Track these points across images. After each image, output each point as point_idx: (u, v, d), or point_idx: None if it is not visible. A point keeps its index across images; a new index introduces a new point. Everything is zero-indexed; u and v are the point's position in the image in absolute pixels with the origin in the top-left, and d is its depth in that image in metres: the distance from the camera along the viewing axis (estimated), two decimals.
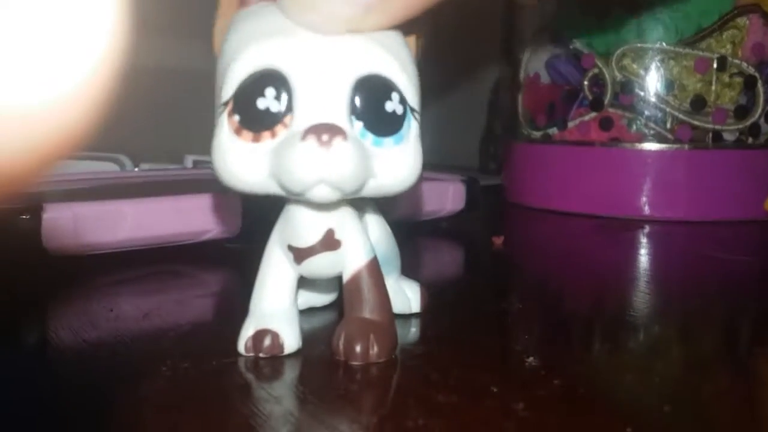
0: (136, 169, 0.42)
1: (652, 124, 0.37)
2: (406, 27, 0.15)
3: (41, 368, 0.16)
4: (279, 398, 0.14)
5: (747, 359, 0.18)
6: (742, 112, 0.37)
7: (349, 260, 0.16)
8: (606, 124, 0.38)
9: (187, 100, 0.64)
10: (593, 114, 0.38)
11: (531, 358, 0.16)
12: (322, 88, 0.14)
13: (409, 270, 0.20)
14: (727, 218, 0.37)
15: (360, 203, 0.17)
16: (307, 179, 0.13)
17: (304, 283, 0.18)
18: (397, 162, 0.15)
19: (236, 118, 0.14)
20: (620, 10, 0.37)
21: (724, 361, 0.18)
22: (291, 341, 0.16)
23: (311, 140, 0.13)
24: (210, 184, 0.30)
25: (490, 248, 0.30)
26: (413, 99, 0.15)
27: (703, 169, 0.37)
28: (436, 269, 0.28)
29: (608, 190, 0.38)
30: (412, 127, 0.15)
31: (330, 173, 0.13)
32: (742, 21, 0.37)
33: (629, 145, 0.38)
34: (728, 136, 0.37)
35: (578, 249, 0.32)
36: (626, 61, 0.37)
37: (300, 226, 0.16)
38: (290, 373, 0.15)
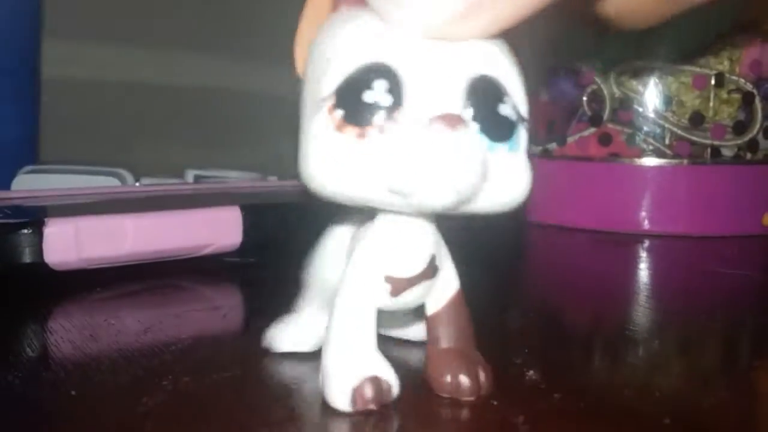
0: (138, 184, 0.42)
1: (651, 140, 0.38)
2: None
3: (42, 381, 0.16)
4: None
5: (747, 373, 0.18)
6: (740, 127, 0.37)
7: (443, 287, 0.15)
8: (605, 139, 0.38)
9: (188, 115, 0.65)
10: (592, 129, 0.39)
11: (531, 372, 0.16)
12: (435, 84, 0.13)
13: None
14: (727, 233, 0.37)
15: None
16: (429, 171, 0.12)
17: None
18: (510, 170, 0.13)
19: (339, 113, 0.13)
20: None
21: (725, 375, 0.18)
22: (395, 384, 0.14)
23: (439, 125, 0.12)
24: (211, 198, 0.30)
25: (490, 263, 0.30)
26: (524, 106, 0.14)
27: (702, 185, 0.37)
28: None
29: (608, 204, 0.38)
30: (522, 137, 0.14)
31: (448, 165, 0.12)
32: (739, 38, 0.37)
33: (628, 161, 0.38)
34: (727, 152, 0.38)
35: (578, 263, 0.32)
36: (625, 78, 0.38)
37: (404, 252, 0.14)
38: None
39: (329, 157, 0.13)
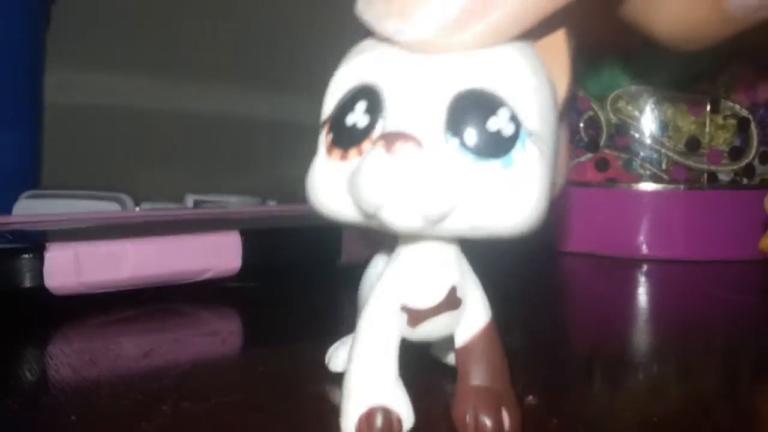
0: (138, 209, 0.42)
1: (648, 165, 0.38)
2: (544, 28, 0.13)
3: (42, 406, 0.16)
4: None
5: (747, 398, 0.18)
6: (736, 153, 0.38)
7: (469, 320, 0.14)
8: (602, 164, 0.39)
9: (188, 140, 0.65)
10: (589, 155, 0.39)
11: (530, 397, 0.16)
12: (414, 101, 0.12)
13: None
14: (724, 258, 0.37)
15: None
16: (374, 192, 0.12)
17: None
18: (501, 189, 0.12)
19: (330, 137, 0.13)
20: (614, 54, 0.38)
21: (724, 400, 0.18)
22: (407, 417, 0.14)
23: (378, 148, 0.12)
24: (210, 223, 0.31)
25: (487, 285, 0.30)
26: (534, 119, 0.12)
27: (700, 209, 0.37)
28: None
29: (605, 229, 0.38)
30: (528, 153, 0.12)
31: (397, 184, 0.12)
32: (734, 64, 0.38)
33: (626, 186, 0.38)
34: (723, 177, 0.38)
35: (577, 288, 0.32)
36: (621, 104, 0.38)
37: (420, 282, 0.14)
38: None
39: (317, 180, 0.13)
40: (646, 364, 0.20)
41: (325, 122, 0.13)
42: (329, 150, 0.13)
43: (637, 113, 0.38)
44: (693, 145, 0.37)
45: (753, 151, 0.38)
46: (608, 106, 0.38)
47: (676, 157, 0.37)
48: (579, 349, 0.22)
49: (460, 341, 0.14)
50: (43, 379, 0.18)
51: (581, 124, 0.39)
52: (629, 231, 0.38)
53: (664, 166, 0.38)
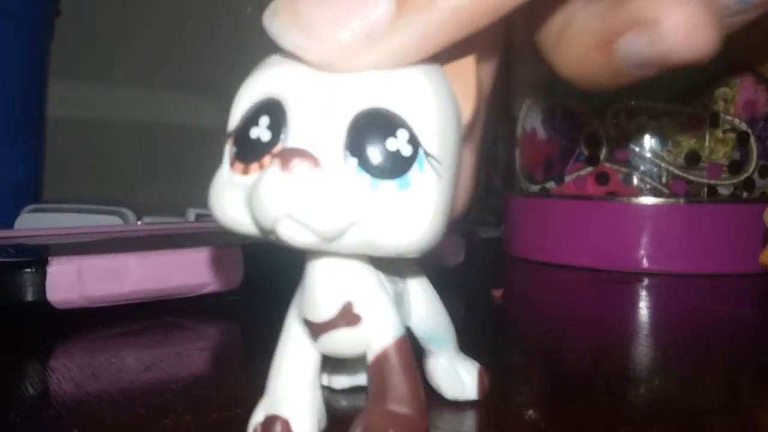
0: (140, 223, 0.42)
1: (648, 179, 0.38)
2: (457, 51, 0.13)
3: (44, 420, 0.16)
4: None
5: (747, 412, 0.18)
6: (736, 167, 0.38)
7: (373, 339, 0.14)
8: (602, 178, 0.39)
9: (190, 154, 0.65)
10: (590, 168, 0.39)
11: (530, 411, 0.16)
12: (317, 118, 0.12)
13: None
14: (725, 271, 0.37)
15: (397, 268, 0.15)
16: (270, 209, 0.12)
17: (345, 359, 0.15)
18: (397, 209, 0.12)
19: (234, 149, 0.13)
20: None
21: (724, 413, 0.18)
22: (302, 430, 0.14)
23: (275, 164, 0.12)
24: (212, 237, 0.31)
25: (490, 300, 0.31)
26: (432, 142, 0.12)
27: (700, 223, 0.37)
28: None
29: (606, 243, 0.38)
30: (425, 175, 0.12)
31: (292, 202, 0.12)
32: (733, 79, 0.38)
33: (626, 199, 0.38)
34: (723, 191, 0.38)
35: (577, 302, 0.33)
36: (621, 118, 0.38)
37: (314, 297, 0.14)
38: None
39: (218, 192, 0.13)
40: (647, 377, 0.20)
41: (229, 135, 0.13)
42: (232, 163, 0.13)
43: (636, 127, 0.38)
44: (693, 159, 0.38)
45: (752, 165, 0.38)
46: (608, 120, 0.38)
47: (676, 171, 0.38)
48: (579, 363, 0.22)
49: (368, 360, 0.14)
50: (45, 393, 0.18)
51: (582, 138, 0.39)
52: (629, 245, 0.38)
53: (664, 180, 0.38)
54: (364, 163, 0.12)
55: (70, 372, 0.19)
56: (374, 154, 0.12)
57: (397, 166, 0.12)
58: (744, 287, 0.35)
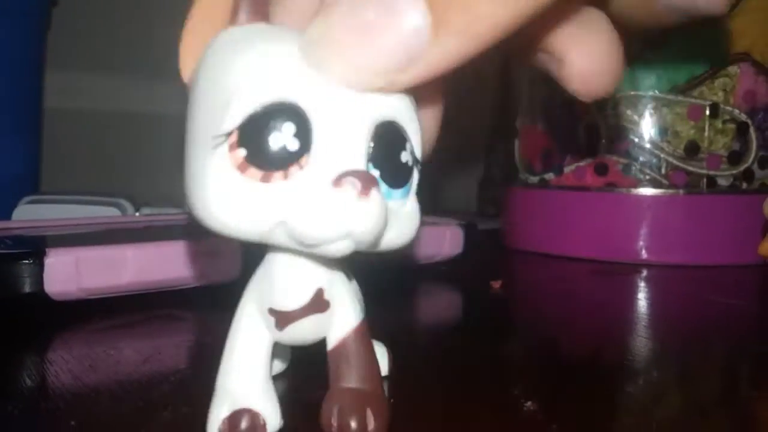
0: (138, 214, 0.42)
1: (647, 170, 0.38)
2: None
3: (41, 412, 0.16)
4: None
5: (746, 403, 0.18)
6: (735, 157, 0.38)
7: (338, 323, 0.14)
8: (602, 169, 0.39)
9: None
10: (589, 160, 0.39)
11: (529, 403, 0.16)
12: (344, 130, 0.12)
13: (405, 314, 0.20)
14: (723, 263, 0.37)
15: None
16: (334, 231, 0.12)
17: (276, 346, 0.15)
18: (403, 215, 0.13)
19: (242, 152, 0.12)
20: None
21: (723, 405, 0.18)
22: (273, 420, 0.14)
23: (348, 188, 0.12)
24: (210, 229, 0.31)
25: (489, 292, 0.31)
26: (418, 150, 0.14)
27: (699, 214, 0.37)
28: (433, 314, 0.28)
29: (605, 234, 0.38)
30: (414, 182, 0.14)
31: (361, 227, 0.12)
32: (733, 69, 0.38)
33: (625, 191, 0.38)
34: (722, 182, 0.38)
35: (576, 293, 0.32)
36: (620, 109, 0.38)
37: (286, 285, 0.14)
38: None
39: (230, 198, 0.12)
40: (646, 369, 0.20)
41: (229, 134, 0.12)
42: (243, 167, 0.12)
43: (636, 118, 0.38)
44: (692, 149, 0.37)
45: (752, 156, 0.38)
46: (608, 111, 0.38)
47: (675, 161, 0.38)
48: (578, 354, 0.22)
49: (330, 344, 0.14)
50: (43, 385, 0.18)
51: (581, 129, 0.39)
52: (628, 236, 0.38)
53: (663, 171, 0.38)
54: (385, 176, 0.13)
55: (67, 364, 0.19)
56: (393, 166, 0.13)
57: (405, 176, 0.13)
58: (743, 278, 0.35)
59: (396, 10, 0.12)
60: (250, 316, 0.14)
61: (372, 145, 0.13)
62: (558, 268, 0.38)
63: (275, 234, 0.12)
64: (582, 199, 0.39)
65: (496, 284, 0.31)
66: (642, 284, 0.34)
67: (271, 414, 0.14)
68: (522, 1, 0.13)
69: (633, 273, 0.36)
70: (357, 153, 0.12)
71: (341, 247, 0.12)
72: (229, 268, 0.27)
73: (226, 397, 0.14)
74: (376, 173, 0.13)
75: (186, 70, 0.14)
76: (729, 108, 0.38)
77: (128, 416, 0.15)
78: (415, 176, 0.14)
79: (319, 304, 0.14)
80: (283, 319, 0.14)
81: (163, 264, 0.25)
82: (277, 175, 0.12)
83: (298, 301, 0.14)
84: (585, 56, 0.17)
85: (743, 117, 0.38)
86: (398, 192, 0.13)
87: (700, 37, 0.38)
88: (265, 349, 0.14)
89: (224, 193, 0.12)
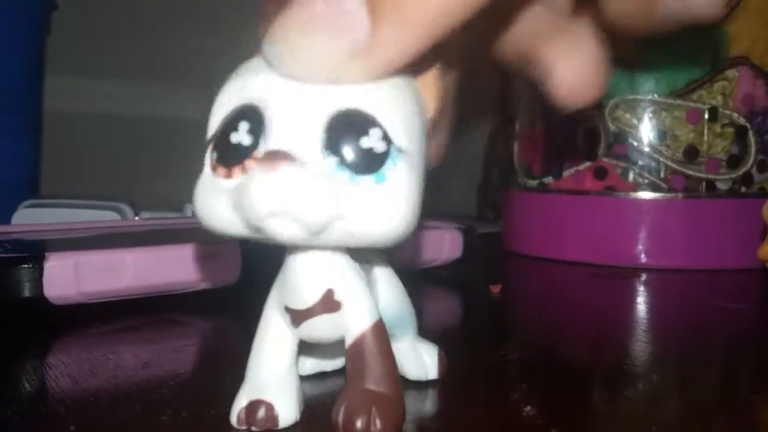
0: (137, 218, 0.42)
1: (646, 174, 0.38)
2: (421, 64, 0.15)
3: (41, 416, 0.16)
4: None
5: (745, 407, 0.18)
6: (734, 161, 0.38)
7: (351, 323, 0.15)
8: (601, 173, 0.39)
9: (188, 149, 0.65)
10: (588, 163, 0.39)
11: (528, 407, 0.16)
12: (294, 122, 0.13)
13: None
14: (723, 267, 0.37)
15: (367, 258, 0.16)
16: (259, 207, 0.13)
17: (312, 346, 0.16)
18: (376, 202, 0.13)
19: (214, 155, 0.14)
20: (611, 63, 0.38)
21: (722, 409, 0.18)
22: (287, 413, 0.15)
23: (260, 166, 0.13)
24: (209, 233, 0.31)
25: (488, 296, 0.31)
26: (402, 138, 0.14)
27: (698, 218, 0.37)
28: (433, 318, 0.28)
29: (604, 238, 0.38)
30: (398, 169, 0.14)
31: (279, 200, 0.12)
32: (731, 73, 0.38)
33: (624, 194, 0.38)
34: (722, 185, 0.38)
35: (575, 297, 0.33)
36: (619, 112, 0.38)
37: (297, 285, 0.15)
38: None
39: (203, 195, 0.14)
40: (645, 373, 0.20)
41: (210, 140, 0.14)
42: (214, 167, 0.14)
43: (635, 122, 0.38)
44: (691, 153, 0.37)
45: (751, 160, 0.38)
46: (606, 115, 0.38)
47: (674, 165, 0.38)
48: (578, 358, 0.22)
49: (346, 344, 0.15)
50: (43, 390, 0.18)
51: (580, 133, 0.39)
52: (627, 240, 0.38)
53: (662, 175, 0.38)
54: (342, 161, 0.13)
55: (67, 368, 0.19)
56: (350, 151, 0.13)
57: (373, 162, 0.13)
58: (742, 282, 0.35)
59: (335, 1, 0.13)
60: (273, 314, 0.15)
61: (327, 133, 0.13)
62: (557, 272, 0.38)
63: (241, 226, 0.13)
64: (581, 203, 0.39)
65: (496, 288, 0.31)
66: (641, 288, 0.34)
67: (287, 407, 0.15)
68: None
69: (632, 277, 0.36)
70: (308, 141, 0.13)
71: (282, 227, 0.13)
72: (228, 272, 0.27)
73: (248, 389, 0.15)
74: (332, 159, 0.13)
75: None
76: (728, 112, 0.38)
77: (128, 421, 0.16)
78: (400, 165, 0.14)
79: (329, 304, 0.15)
80: (296, 317, 0.15)
81: (162, 268, 0.25)
82: (236, 170, 0.13)
83: (309, 300, 0.15)
84: (570, 69, 0.18)
85: (742, 121, 0.38)
86: (368, 178, 0.13)
87: (698, 41, 0.38)
88: (289, 346, 0.15)
89: (202, 193, 0.14)
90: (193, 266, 0.26)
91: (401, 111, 0.14)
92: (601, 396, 0.18)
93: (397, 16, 0.13)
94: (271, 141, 0.13)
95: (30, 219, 0.40)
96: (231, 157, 0.13)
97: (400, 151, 0.14)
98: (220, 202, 0.13)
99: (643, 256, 0.38)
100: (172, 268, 0.26)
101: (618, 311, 0.30)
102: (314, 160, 0.13)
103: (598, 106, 0.39)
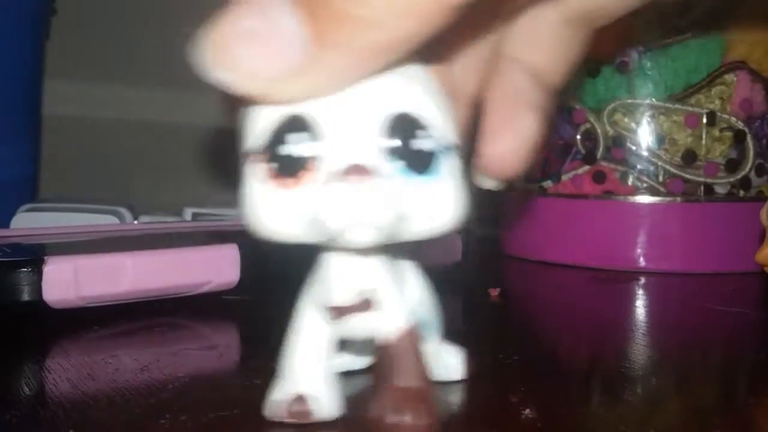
0: (136, 222, 0.42)
1: (644, 178, 0.38)
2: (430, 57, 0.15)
3: (40, 420, 0.16)
4: None
5: (743, 411, 0.18)
6: (732, 165, 0.38)
7: (386, 323, 0.15)
8: (599, 177, 0.39)
9: (187, 153, 0.65)
10: (586, 167, 0.39)
11: (527, 411, 0.16)
12: (349, 131, 0.14)
13: None
14: (721, 270, 0.37)
15: (397, 262, 0.17)
16: (343, 220, 0.13)
17: (341, 344, 0.17)
18: (435, 200, 0.14)
19: (266, 165, 0.14)
20: (610, 67, 0.38)
21: (721, 412, 0.18)
22: (325, 406, 0.15)
23: (345, 180, 0.13)
24: (209, 237, 0.31)
25: (487, 300, 0.31)
26: (446, 134, 0.15)
27: (696, 222, 0.37)
28: None
29: (603, 242, 0.38)
30: (446, 164, 0.14)
31: (364, 213, 0.13)
32: (729, 77, 0.38)
33: (622, 198, 0.38)
34: (720, 189, 0.38)
35: (574, 301, 0.33)
36: (617, 117, 0.38)
37: (335, 284, 0.15)
38: None
39: (264, 207, 0.14)
40: (644, 376, 0.20)
41: (256, 151, 0.14)
42: (271, 178, 0.14)
43: (633, 126, 0.38)
44: (690, 157, 0.38)
45: (749, 164, 0.38)
46: (605, 119, 0.38)
47: (672, 169, 0.38)
48: (576, 362, 0.22)
49: (379, 343, 0.15)
50: (42, 393, 0.18)
51: (578, 137, 0.39)
52: (626, 244, 0.38)
53: (660, 179, 0.38)
54: (399, 164, 0.14)
55: (66, 372, 0.19)
56: (406, 154, 0.14)
57: (426, 161, 0.14)
58: (740, 286, 0.35)
59: (271, 19, 0.13)
60: (308, 311, 0.16)
61: (383, 138, 0.14)
62: (556, 276, 0.38)
63: (309, 234, 0.14)
64: (580, 207, 0.39)
65: (495, 292, 0.31)
66: (640, 292, 0.34)
67: (325, 400, 0.15)
68: (403, 22, 0.13)
69: (631, 280, 0.36)
70: (365, 148, 0.14)
71: (361, 235, 0.13)
72: (227, 275, 0.27)
73: (284, 383, 0.15)
74: (390, 164, 0.14)
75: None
76: (726, 116, 0.38)
77: (127, 424, 0.16)
78: (447, 160, 0.14)
79: (365, 304, 0.15)
80: (333, 314, 0.15)
81: (161, 272, 0.25)
82: (295, 180, 0.14)
83: (345, 299, 0.15)
84: (499, 149, 0.18)
85: (740, 125, 0.38)
86: (422, 178, 0.14)
87: (696, 45, 0.38)
88: (324, 341, 0.16)
89: (259, 204, 0.14)
90: (192, 270, 0.26)
91: (441, 108, 0.15)
92: (599, 399, 0.18)
93: (345, 45, 0.13)
94: (331, 151, 0.14)
95: (29, 223, 0.40)
96: (289, 167, 0.14)
97: (445, 146, 0.14)
98: (282, 212, 0.14)
99: (641, 259, 0.38)
100: (171, 272, 0.26)
101: (617, 315, 0.30)
102: (377, 167, 0.14)
103: (597, 110, 0.39)
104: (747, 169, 0.38)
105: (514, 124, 0.18)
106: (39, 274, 0.23)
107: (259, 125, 0.14)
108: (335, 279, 0.15)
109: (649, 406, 0.18)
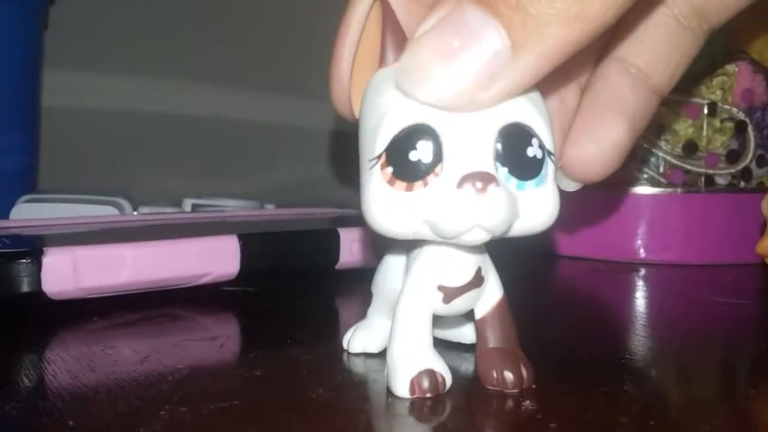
0: (136, 213, 0.42)
1: (645, 168, 0.38)
2: None
3: (40, 411, 0.16)
4: None
5: (743, 402, 0.18)
6: (733, 156, 0.38)
7: (489, 295, 0.18)
8: None
9: (186, 144, 0.65)
10: None
11: (527, 402, 0.16)
12: (468, 139, 0.15)
13: None
14: (721, 261, 0.37)
15: None
16: (464, 224, 0.15)
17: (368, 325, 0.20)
18: (539, 203, 0.16)
19: (390, 170, 0.15)
20: None
21: (721, 403, 0.18)
22: (449, 377, 0.17)
23: (468, 187, 0.14)
24: (208, 228, 0.31)
25: None
26: (549, 142, 0.16)
27: (697, 213, 0.37)
28: None
29: (603, 233, 0.38)
30: (549, 169, 0.16)
31: (485, 218, 0.15)
32: (731, 67, 0.38)
33: (623, 189, 0.38)
34: (720, 180, 0.38)
35: (574, 292, 0.33)
36: None
37: (454, 266, 0.17)
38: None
39: (385, 207, 0.15)
40: (644, 368, 0.20)
41: (379, 156, 0.15)
42: (391, 181, 0.15)
43: None
44: (690, 148, 0.37)
45: (750, 155, 0.38)
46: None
47: (673, 160, 0.38)
48: (576, 353, 0.22)
49: (479, 314, 0.18)
50: (41, 385, 0.18)
51: None
52: (626, 235, 0.38)
53: (661, 170, 0.38)
54: (513, 171, 0.15)
55: (65, 363, 0.19)
56: (520, 162, 0.15)
57: (535, 168, 0.16)
58: (741, 277, 0.35)
59: (478, 36, 0.14)
60: (419, 293, 0.17)
61: (498, 147, 0.15)
62: (555, 267, 0.38)
63: (422, 231, 0.15)
64: (580, 198, 0.39)
65: None
66: (640, 283, 0.34)
67: (447, 372, 0.17)
68: (586, 23, 0.14)
69: (631, 272, 0.36)
70: (483, 156, 0.15)
71: (476, 237, 0.15)
72: (227, 267, 0.27)
73: (408, 362, 0.16)
74: (504, 171, 0.15)
75: (356, 108, 0.17)
76: (727, 107, 0.38)
77: (126, 415, 0.15)
78: (549, 166, 0.16)
79: (478, 280, 0.17)
80: (450, 294, 0.17)
81: (161, 263, 0.25)
82: (418, 184, 0.15)
83: (466, 277, 0.17)
84: (583, 153, 0.19)
85: (741, 116, 0.38)
86: (531, 183, 0.16)
87: None
88: (430, 321, 0.17)
89: (380, 203, 0.15)
90: (191, 261, 0.26)
91: (544, 116, 0.16)
92: (599, 390, 0.18)
93: (537, 47, 0.14)
94: (452, 159, 0.15)
95: (28, 214, 0.40)
96: (411, 172, 0.15)
97: (550, 154, 0.16)
98: (401, 211, 0.15)
99: (642, 250, 0.38)
100: (170, 263, 0.26)
101: (617, 306, 0.30)
102: (495, 174, 0.15)
103: None
104: (748, 160, 0.38)
105: (600, 130, 0.19)
106: (38, 265, 0.23)
107: (383, 132, 0.15)
108: (451, 264, 0.17)
109: (649, 397, 0.18)
